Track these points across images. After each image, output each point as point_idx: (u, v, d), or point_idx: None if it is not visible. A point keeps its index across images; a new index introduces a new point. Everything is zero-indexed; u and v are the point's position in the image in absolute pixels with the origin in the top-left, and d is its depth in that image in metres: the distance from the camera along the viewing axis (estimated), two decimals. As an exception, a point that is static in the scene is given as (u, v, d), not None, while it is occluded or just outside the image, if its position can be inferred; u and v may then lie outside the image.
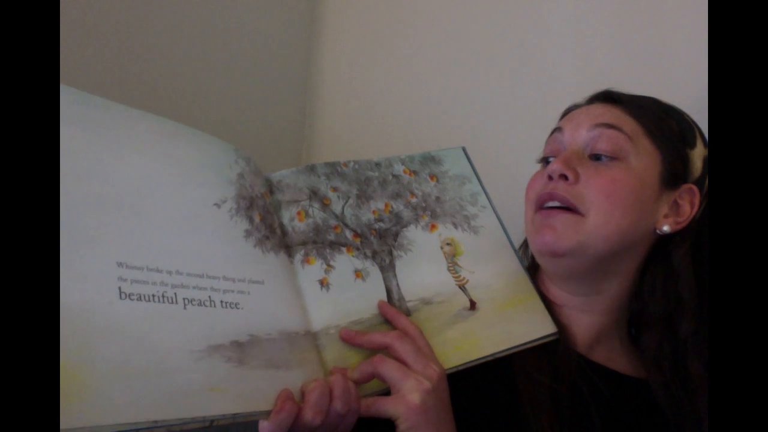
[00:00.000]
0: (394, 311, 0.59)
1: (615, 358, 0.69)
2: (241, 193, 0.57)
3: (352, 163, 0.68)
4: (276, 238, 0.59)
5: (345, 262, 0.61)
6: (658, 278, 0.66)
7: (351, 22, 1.39)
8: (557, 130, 0.70)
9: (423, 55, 1.25)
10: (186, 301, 0.47)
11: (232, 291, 0.51)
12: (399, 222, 0.66)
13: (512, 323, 0.63)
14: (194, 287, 0.48)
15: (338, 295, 0.59)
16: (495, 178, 0.79)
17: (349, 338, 0.56)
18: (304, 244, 0.61)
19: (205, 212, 0.53)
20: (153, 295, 0.45)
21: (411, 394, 0.52)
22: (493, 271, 0.66)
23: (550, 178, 0.65)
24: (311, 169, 0.66)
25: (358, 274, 0.61)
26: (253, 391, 0.47)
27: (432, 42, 1.24)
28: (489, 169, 0.78)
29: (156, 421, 0.41)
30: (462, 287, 0.64)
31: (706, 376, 0.64)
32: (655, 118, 0.67)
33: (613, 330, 0.70)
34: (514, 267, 0.67)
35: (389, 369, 0.53)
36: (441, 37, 1.22)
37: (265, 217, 0.59)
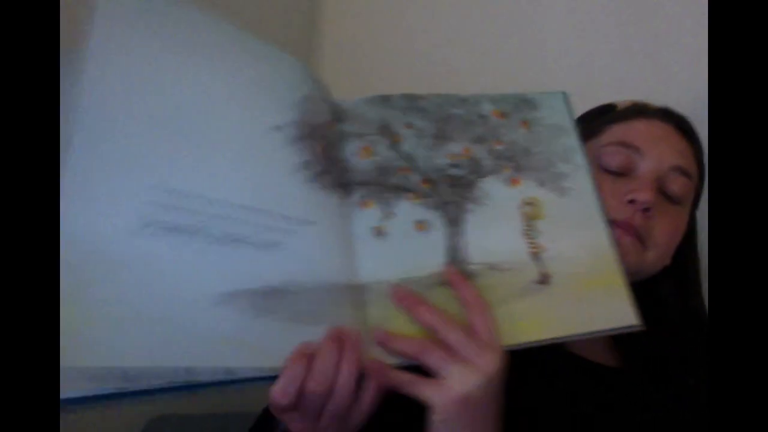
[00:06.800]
0: (460, 278, 0.52)
1: (596, 350, 0.67)
2: (304, 119, 0.51)
3: (434, 97, 0.60)
4: (335, 173, 0.53)
5: (407, 210, 0.55)
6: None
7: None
8: (633, 149, 0.66)
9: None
10: (224, 236, 0.43)
11: (279, 229, 0.46)
12: (477, 170, 0.58)
13: (590, 305, 0.54)
14: (241, 221, 0.44)
15: (394, 247, 0.53)
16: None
17: (399, 298, 0.51)
18: (364, 184, 0.55)
19: (262, 137, 0.47)
20: (188, 225, 0.41)
21: (454, 385, 0.46)
22: (577, 242, 0.57)
23: (631, 202, 0.63)
24: (386, 99, 0.58)
25: (420, 225, 0.55)
26: (271, 345, 0.43)
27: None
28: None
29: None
30: (536, 256, 0.56)
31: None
32: (703, 167, 0.71)
33: None
34: (602, 241, 0.57)
35: (433, 359, 0.47)
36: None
37: (326, 149, 0.53)
